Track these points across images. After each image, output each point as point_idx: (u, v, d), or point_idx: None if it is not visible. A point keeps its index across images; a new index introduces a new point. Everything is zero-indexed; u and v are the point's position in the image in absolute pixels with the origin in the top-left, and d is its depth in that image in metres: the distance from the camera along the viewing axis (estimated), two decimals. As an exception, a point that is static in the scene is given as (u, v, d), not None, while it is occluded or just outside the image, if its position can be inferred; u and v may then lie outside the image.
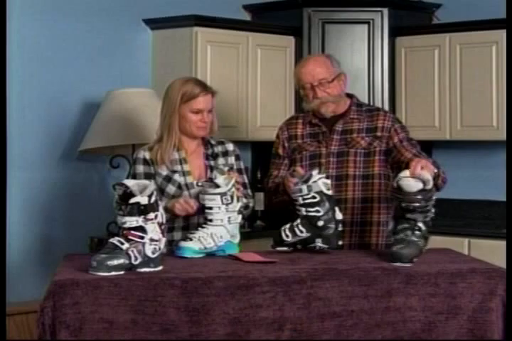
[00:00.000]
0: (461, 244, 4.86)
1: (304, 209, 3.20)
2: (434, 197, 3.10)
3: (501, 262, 3.22)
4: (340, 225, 3.23)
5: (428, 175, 3.09)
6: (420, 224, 3.06)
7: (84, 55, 4.87)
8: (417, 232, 3.05)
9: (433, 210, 3.11)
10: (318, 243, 3.19)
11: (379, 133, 3.57)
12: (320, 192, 3.18)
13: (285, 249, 3.22)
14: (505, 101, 5.05)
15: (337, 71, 3.59)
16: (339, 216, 3.22)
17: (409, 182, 3.05)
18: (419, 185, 3.05)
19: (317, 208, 3.18)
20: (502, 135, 5.06)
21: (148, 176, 3.39)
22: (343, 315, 2.82)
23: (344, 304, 2.82)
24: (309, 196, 3.18)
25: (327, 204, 3.19)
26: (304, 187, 3.19)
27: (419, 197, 3.04)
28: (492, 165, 5.42)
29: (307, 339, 2.79)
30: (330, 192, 3.21)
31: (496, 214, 5.33)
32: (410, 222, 3.06)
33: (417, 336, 2.85)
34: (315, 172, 3.22)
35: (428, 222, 3.10)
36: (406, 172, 3.11)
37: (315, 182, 3.17)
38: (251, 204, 3.51)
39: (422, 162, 3.19)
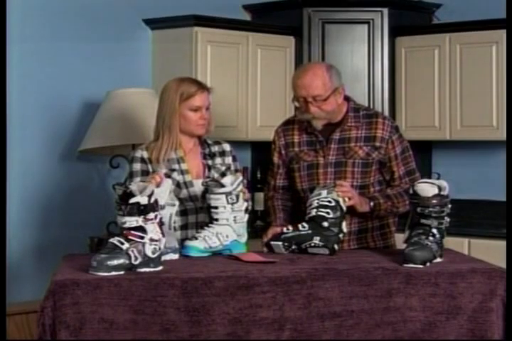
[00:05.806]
0: (461, 244, 4.85)
1: (315, 210, 3.25)
2: (449, 205, 3.11)
3: (501, 262, 3.22)
4: (341, 235, 3.26)
5: (444, 182, 3.12)
6: (434, 231, 3.06)
7: (84, 55, 4.87)
8: (431, 238, 3.05)
9: (448, 219, 3.11)
10: (316, 240, 3.20)
11: (378, 144, 3.51)
12: (337, 201, 3.27)
13: (279, 243, 3.22)
14: (505, 101, 5.05)
15: (334, 85, 3.43)
16: (345, 229, 3.28)
17: (425, 187, 3.08)
18: (435, 190, 3.07)
19: (328, 210, 3.24)
20: (502, 135, 5.06)
21: (145, 174, 3.41)
22: (343, 315, 2.82)
23: (344, 304, 2.82)
24: (326, 199, 3.26)
25: (338, 213, 3.27)
26: (324, 191, 3.28)
27: (434, 201, 3.05)
28: (492, 165, 5.41)
29: (307, 339, 2.79)
30: (344, 207, 3.29)
31: (495, 214, 5.32)
32: (425, 228, 3.07)
33: (417, 336, 2.85)
34: (339, 182, 3.35)
35: (442, 230, 3.10)
36: None
37: (336, 191, 3.28)
38: (248, 204, 3.48)
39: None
